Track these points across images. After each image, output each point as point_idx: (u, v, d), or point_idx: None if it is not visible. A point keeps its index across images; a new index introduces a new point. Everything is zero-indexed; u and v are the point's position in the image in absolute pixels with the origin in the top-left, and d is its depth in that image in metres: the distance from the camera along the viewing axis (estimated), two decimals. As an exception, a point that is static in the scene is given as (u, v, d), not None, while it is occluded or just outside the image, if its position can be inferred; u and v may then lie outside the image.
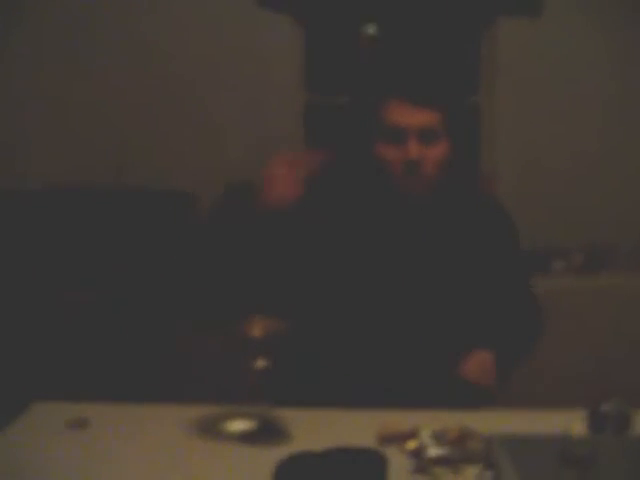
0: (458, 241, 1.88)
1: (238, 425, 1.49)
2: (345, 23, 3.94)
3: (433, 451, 1.34)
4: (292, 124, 3.87)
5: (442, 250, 1.86)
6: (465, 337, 1.82)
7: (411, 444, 1.38)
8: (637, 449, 1.19)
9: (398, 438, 1.42)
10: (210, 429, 1.50)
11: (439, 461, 1.33)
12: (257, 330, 1.42)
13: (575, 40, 3.78)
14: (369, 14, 3.85)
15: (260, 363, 1.45)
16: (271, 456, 1.28)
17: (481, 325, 1.86)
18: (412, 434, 1.41)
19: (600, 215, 3.74)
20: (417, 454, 1.35)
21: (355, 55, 3.98)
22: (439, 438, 1.38)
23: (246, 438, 1.45)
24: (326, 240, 1.86)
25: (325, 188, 1.93)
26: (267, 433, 1.45)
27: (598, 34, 3.77)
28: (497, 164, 3.85)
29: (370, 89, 1.90)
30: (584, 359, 3.04)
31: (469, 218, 1.92)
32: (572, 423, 1.15)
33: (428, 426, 1.41)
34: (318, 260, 1.86)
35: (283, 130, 3.81)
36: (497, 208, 2.02)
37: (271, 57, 3.79)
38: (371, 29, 3.98)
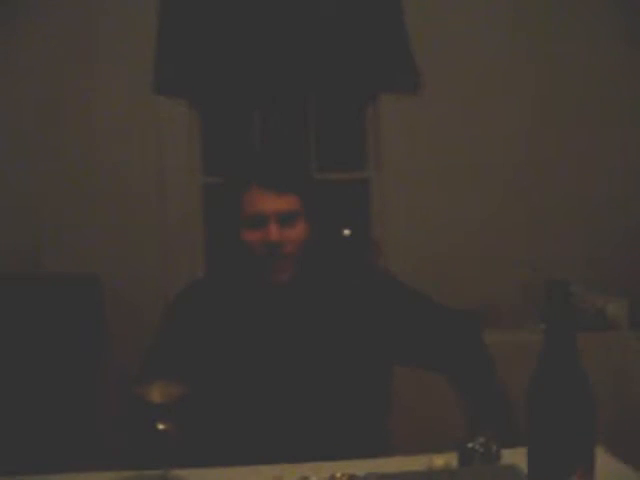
0: (336, 314, 2.02)
1: (142, 487, 1.61)
2: (238, 104, 4.13)
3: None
4: (190, 207, 4.01)
5: (319, 325, 2.00)
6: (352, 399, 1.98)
7: (301, 491, 1.52)
8: (492, 477, 1.36)
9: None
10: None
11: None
12: (156, 395, 1.53)
13: (455, 113, 4.06)
14: (259, 96, 4.03)
15: (160, 427, 1.56)
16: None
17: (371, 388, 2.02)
18: (304, 482, 1.55)
19: (483, 279, 3.98)
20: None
21: (249, 138, 4.16)
22: (325, 484, 1.52)
23: (150, 498, 1.57)
24: (219, 331, 2.02)
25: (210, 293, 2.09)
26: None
27: (476, 106, 4.06)
28: (386, 234, 4.05)
29: (233, 176, 2.05)
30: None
31: (350, 290, 2.06)
32: (434, 459, 1.31)
33: (315, 474, 1.56)
34: (213, 343, 2.00)
35: (182, 213, 3.95)
36: (382, 277, 2.18)
37: (168, 142, 3.93)
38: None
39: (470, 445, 1.57)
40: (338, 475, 1.55)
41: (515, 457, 1.48)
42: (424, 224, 4.01)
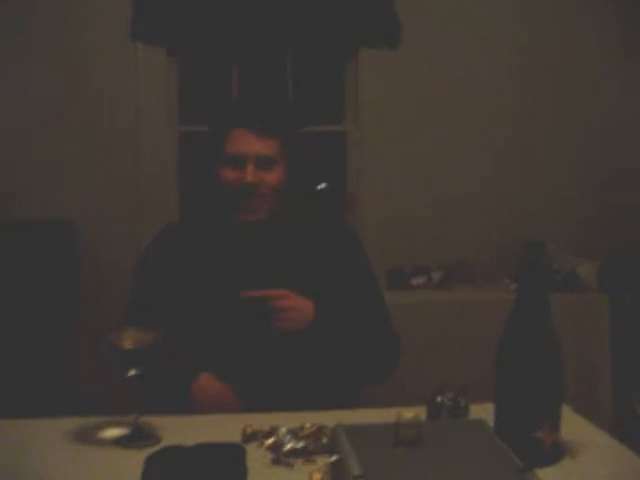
0: (301, 262, 2.04)
1: (112, 432, 1.61)
2: (217, 55, 4.08)
3: (288, 444, 1.50)
4: (165, 155, 3.98)
5: (285, 270, 2.02)
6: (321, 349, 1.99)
7: (269, 440, 1.53)
8: (459, 430, 1.38)
9: (259, 436, 1.57)
10: (86, 437, 1.61)
11: (294, 453, 1.49)
12: (128, 341, 1.54)
13: (432, 68, 4.04)
14: (239, 48, 3.98)
15: (131, 372, 1.57)
16: (143, 456, 1.41)
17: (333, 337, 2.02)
18: (272, 432, 1.56)
19: (457, 236, 4.00)
20: (274, 448, 1.51)
21: (226, 86, 4.13)
22: (295, 434, 1.54)
23: (120, 442, 1.57)
24: (192, 270, 2.04)
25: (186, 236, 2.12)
26: (139, 437, 1.57)
27: (454, 62, 4.05)
28: (363, 189, 4.05)
29: (216, 120, 2.07)
30: (440, 362, 3.28)
31: (316, 241, 2.09)
32: (402, 412, 1.32)
33: (286, 424, 1.57)
34: (186, 286, 2.02)
35: (157, 160, 3.92)
36: (346, 232, 2.20)
37: (145, 89, 3.89)
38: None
39: (439, 399, 1.60)
40: (307, 425, 1.56)
41: (483, 412, 1.51)
42: (400, 180, 4.02)
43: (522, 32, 4.05)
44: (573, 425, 1.61)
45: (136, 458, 1.41)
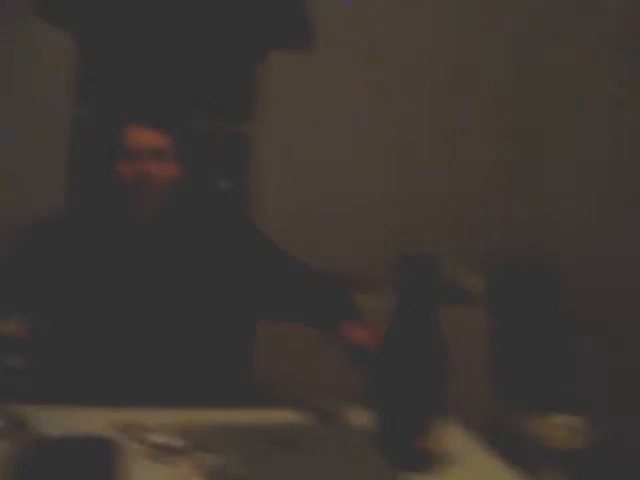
0: (198, 257, 2.10)
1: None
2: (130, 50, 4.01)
3: (162, 439, 1.49)
4: (60, 137, 3.85)
5: (180, 265, 2.08)
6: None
7: (143, 434, 1.52)
8: (335, 436, 1.41)
9: (134, 430, 1.56)
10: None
11: (166, 448, 1.49)
12: (10, 328, 1.50)
13: (347, 74, 4.05)
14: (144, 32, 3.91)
15: (12, 361, 1.53)
16: (12, 447, 1.37)
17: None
18: (147, 427, 1.56)
19: (358, 245, 4.02)
20: (143, 442, 1.50)
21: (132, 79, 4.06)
22: (168, 430, 1.53)
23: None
24: (86, 256, 2.05)
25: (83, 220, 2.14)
26: (12, 428, 1.54)
27: (366, 69, 4.07)
28: (266, 190, 4.05)
29: (110, 112, 2.11)
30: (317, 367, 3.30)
31: (214, 236, 2.15)
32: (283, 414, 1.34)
33: (167, 420, 1.57)
34: (77, 273, 2.03)
35: (51, 143, 3.79)
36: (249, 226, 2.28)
37: (41, 68, 3.76)
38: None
39: (315, 404, 1.63)
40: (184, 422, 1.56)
41: (360, 419, 1.53)
42: (304, 183, 4.02)
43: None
44: (452, 435, 1.64)
45: (7, 449, 1.38)
